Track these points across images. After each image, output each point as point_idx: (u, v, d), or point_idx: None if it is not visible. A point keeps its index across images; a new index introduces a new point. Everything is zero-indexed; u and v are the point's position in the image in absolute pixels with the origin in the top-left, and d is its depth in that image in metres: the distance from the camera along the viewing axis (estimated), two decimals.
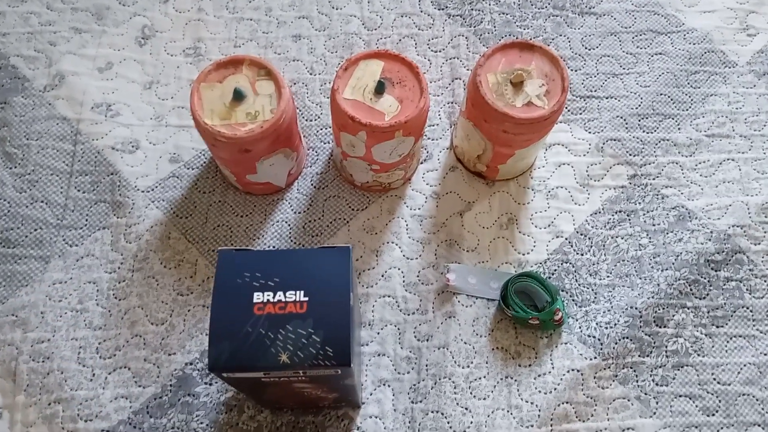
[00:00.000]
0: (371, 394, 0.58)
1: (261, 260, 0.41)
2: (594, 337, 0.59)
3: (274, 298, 0.40)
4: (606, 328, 0.60)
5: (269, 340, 0.39)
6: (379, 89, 0.57)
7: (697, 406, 0.58)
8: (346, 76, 0.58)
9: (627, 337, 0.59)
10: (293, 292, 0.40)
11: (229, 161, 0.60)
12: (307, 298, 0.40)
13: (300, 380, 0.42)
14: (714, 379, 0.59)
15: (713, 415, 0.58)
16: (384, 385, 0.58)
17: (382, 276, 0.62)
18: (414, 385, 0.58)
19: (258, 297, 0.40)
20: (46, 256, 0.62)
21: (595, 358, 0.58)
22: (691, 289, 0.62)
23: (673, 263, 0.62)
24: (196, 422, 0.56)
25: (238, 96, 0.56)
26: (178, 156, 0.67)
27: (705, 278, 0.62)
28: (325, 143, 0.68)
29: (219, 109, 0.56)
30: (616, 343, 0.59)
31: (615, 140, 0.68)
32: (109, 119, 0.68)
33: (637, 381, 0.58)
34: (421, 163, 0.68)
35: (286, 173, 0.64)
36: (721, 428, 0.57)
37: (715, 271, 0.62)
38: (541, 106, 0.57)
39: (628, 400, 0.58)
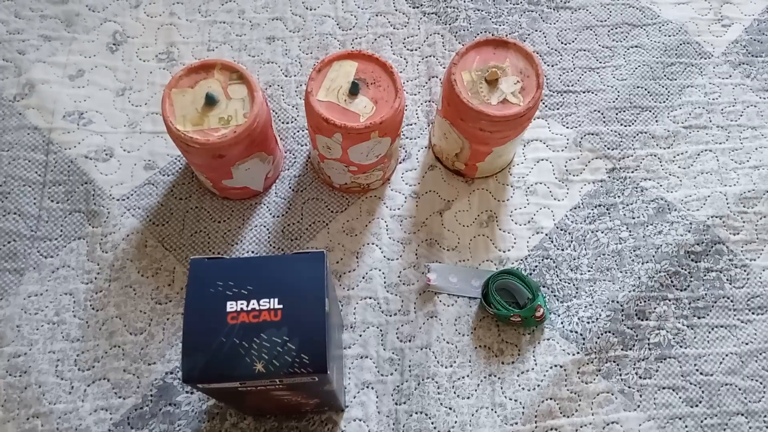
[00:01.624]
0: (355, 397, 0.58)
1: (234, 268, 0.41)
2: (576, 332, 0.59)
3: (247, 306, 0.39)
4: (588, 322, 0.59)
5: (244, 349, 0.39)
6: (354, 90, 0.56)
7: (680, 398, 0.58)
8: (320, 77, 0.57)
9: (609, 331, 0.59)
10: (267, 300, 0.40)
11: (203, 167, 0.59)
12: (281, 306, 0.40)
13: (278, 388, 0.42)
14: (696, 370, 0.59)
15: (696, 405, 0.58)
16: (367, 387, 0.58)
17: (363, 278, 0.62)
18: (397, 386, 0.58)
19: (231, 306, 0.39)
20: (21, 269, 0.61)
21: (578, 353, 0.58)
22: (671, 281, 0.62)
23: (653, 256, 0.62)
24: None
25: (210, 101, 0.56)
26: (153, 163, 0.66)
27: (685, 270, 0.62)
28: (302, 145, 0.68)
29: (191, 115, 0.56)
30: (598, 338, 0.59)
31: (593, 134, 0.68)
32: (82, 127, 0.67)
33: (620, 375, 0.58)
34: (400, 162, 0.67)
35: (263, 177, 0.63)
36: (705, 419, 0.57)
37: (695, 262, 0.62)
38: (516, 103, 0.57)
39: (612, 394, 0.58)
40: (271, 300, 0.40)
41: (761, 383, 0.59)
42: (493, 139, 0.59)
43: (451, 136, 0.62)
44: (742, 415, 0.58)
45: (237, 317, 0.39)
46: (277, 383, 0.40)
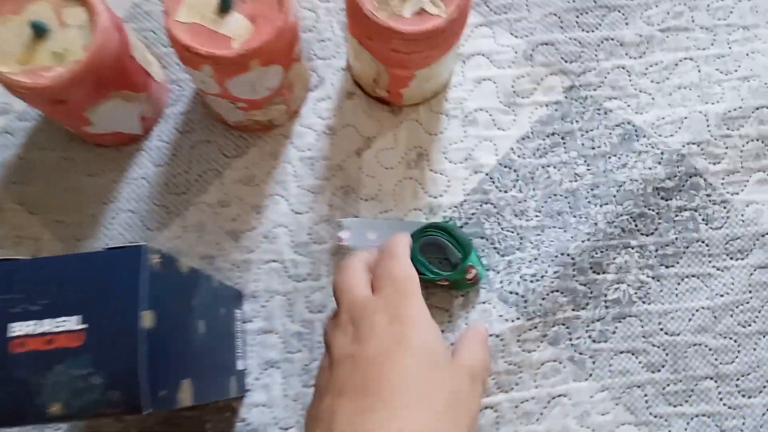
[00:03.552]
0: (257, 379, 0.49)
1: (21, 275, 0.30)
2: (517, 293, 0.50)
3: (38, 329, 0.30)
4: (532, 281, 0.50)
5: (33, 387, 0.29)
6: (224, 6, 0.43)
7: (640, 363, 0.50)
8: None
9: (557, 290, 0.50)
10: (66, 319, 0.30)
11: (48, 114, 0.47)
12: (85, 326, 0.30)
13: None
14: (661, 329, 0.50)
15: (658, 371, 0.49)
16: (272, 367, 0.50)
17: (266, 237, 0.52)
18: (306, 365, 0.49)
19: (16, 329, 0.30)
20: None
21: (518, 318, 0.49)
22: (636, 225, 0.51)
23: (614, 196, 0.51)
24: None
25: (39, 31, 0.43)
26: (8, 106, 0.54)
27: (653, 210, 0.52)
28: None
29: (16, 51, 0.43)
30: (543, 299, 0.50)
31: (547, 44, 0.55)
32: None
33: (570, 340, 0.50)
34: (311, 90, 0.55)
35: (136, 118, 0.52)
36: (667, 385, 0.49)
37: (666, 200, 0.52)
38: (436, 14, 0.44)
39: (560, 363, 0.49)
40: (71, 318, 0.30)
41: (735, 341, 0.50)
42: (413, 61, 0.47)
43: (363, 59, 0.49)
44: (711, 378, 0.49)
45: (24, 344, 0.29)
46: None
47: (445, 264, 0.51)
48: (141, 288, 0.31)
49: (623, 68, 0.55)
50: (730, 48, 0.55)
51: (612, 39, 0.55)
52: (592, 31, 0.55)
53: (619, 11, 0.56)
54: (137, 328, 0.30)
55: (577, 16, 0.56)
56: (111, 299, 0.30)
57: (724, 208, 0.52)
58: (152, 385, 0.31)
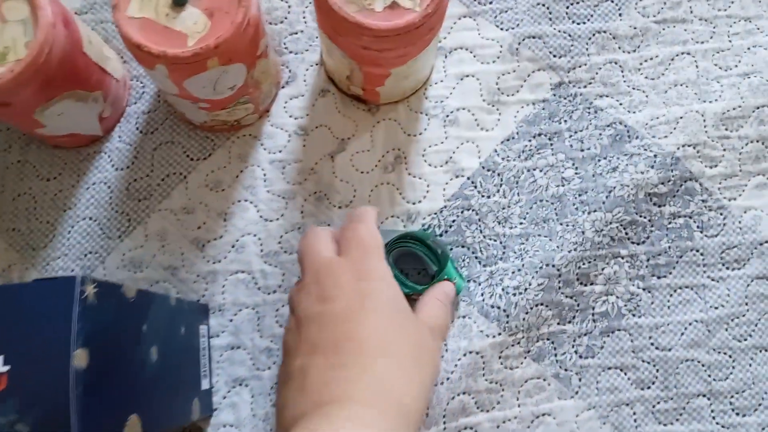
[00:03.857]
0: (225, 398, 0.47)
1: None
2: (499, 307, 0.47)
3: None
4: (515, 294, 0.47)
5: None
6: (179, 0, 0.40)
7: (629, 379, 0.47)
8: None
9: (542, 303, 0.47)
10: None
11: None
12: (7, 367, 0.27)
13: None
14: (652, 344, 0.47)
15: (648, 388, 0.47)
16: (240, 385, 0.47)
17: (233, 246, 0.48)
18: (276, 383, 0.47)
19: None
20: None
21: (500, 334, 0.46)
22: (626, 233, 0.48)
23: (603, 202, 0.48)
24: None
25: None
26: None
27: (645, 217, 0.48)
28: None
29: None
30: (526, 313, 0.47)
31: (534, 37, 0.51)
32: None
33: (555, 355, 0.47)
34: (282, 87, 0.51)
35: (94, 118, 0.48)
36: (658, 403, 0.47)
37: (658, 206, 0.49)
38: (410, 8, 0.40)
39: (544, 380, 0.47)
40: None
41: (730, 356, 0.47)
42: (387, 59, 0.43)
43: (335, 55, 0.46)
44: (704, 396, 0.47)
45: None
46: None
47: (424, 274, 0.48)
48: (73, 324, 0.28)
49: (616, 63, 0.51)
50: (730, 41, 0.51)
51: (604, 31, 0.51)
52: (583, 22, 0.52)
53: (612, 1, 0.52)
54: (69, 369, 0.27)
55: (567, 7, 0.52)
56: (39, 337, 0.27)
57: (721, 214, 0.49)
58: (88, 429, 0.28)
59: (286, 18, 0.52)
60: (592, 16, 0.52)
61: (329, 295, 0.37)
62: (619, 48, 0.51)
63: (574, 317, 0.47)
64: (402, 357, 0.35)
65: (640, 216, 0.48)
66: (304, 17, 0.52)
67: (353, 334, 0.35)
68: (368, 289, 0.37)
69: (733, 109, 0.50)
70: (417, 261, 0.48)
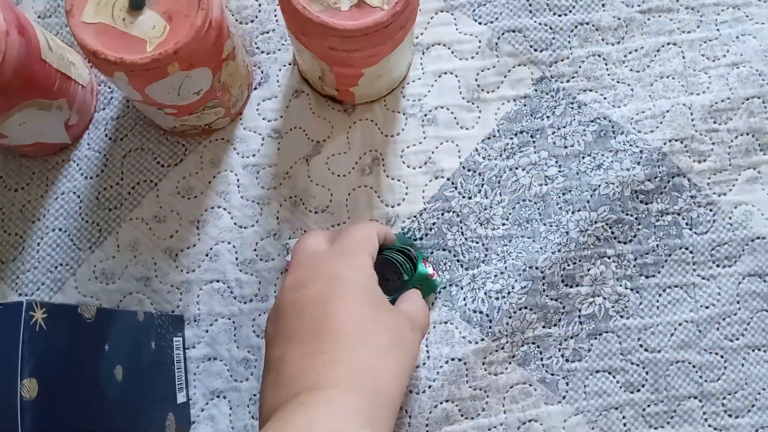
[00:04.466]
0: (203, 410, 0.45)
1: None
2: (481, 312, 0.45)
3: None
4: (497, 298, 0.45)
5: None
6: (136, 3, 0.38)
7: (618, 382, 0.46)
8: None
9: (526, 307, 0.46)
10: None
11: None
12: None
13: None
14: (641, 345, 0.46)
15: (638, 391, 0.45)
16: (218, 397, 0.46)
17: (207, 255, 0.47)
18: (255, 395, 0.45)
19: None
20: None
21: (483, 340, 0.45)
22: (612, 233, 0.47)
23: (588, 201, 0.47)
24: None
25: None
26: None
27: (631, 215, 0.47)
28: None
29: None
30: (510, 317, 0.45)
31: (514, 31, 0.49)
32: None
33: (540, 360, 0.46)
34: (255, 89, 0.50)
35: (60, 126, 0.47)
36: (648, 406, 0.45)
37: (645, 204, 0.47)
38: (378, 6, 0.38)
39: (530, 385, 0.45)
40: None
41: (721, 356, 0.46)
42: (356, 59, 0.42)
43: (304, 56, 0.44)
44: (695, 398, 0.45)
45: None
46: None
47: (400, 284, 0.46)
48: (20, 353, 0.26)
49: (599, 56, 0.49)
50: (718, 30, 0.49)
51: (587, 23, 0.50)
52: (565, 14, 0.50)
53: None
54: (16, 400, 0.26)
55: None
56: None
57: (710, 210, 0.47)
58: None
59: (256, 17, 0.50)
60: (573, 7, 0.50)
61: (305, 282, 0.37)
62: (603, 40, 0.49)
63: (559, 320, 0.46)
64: (378, 343, 0.35)
65: (627, 214, 0.47)
66: (275, 15, 0.50)
67: (328, 319, 0.35)
68: (342, 275, 0.37)
69: (722, 101, 0.48)
70: (395, 267, 0.46)
